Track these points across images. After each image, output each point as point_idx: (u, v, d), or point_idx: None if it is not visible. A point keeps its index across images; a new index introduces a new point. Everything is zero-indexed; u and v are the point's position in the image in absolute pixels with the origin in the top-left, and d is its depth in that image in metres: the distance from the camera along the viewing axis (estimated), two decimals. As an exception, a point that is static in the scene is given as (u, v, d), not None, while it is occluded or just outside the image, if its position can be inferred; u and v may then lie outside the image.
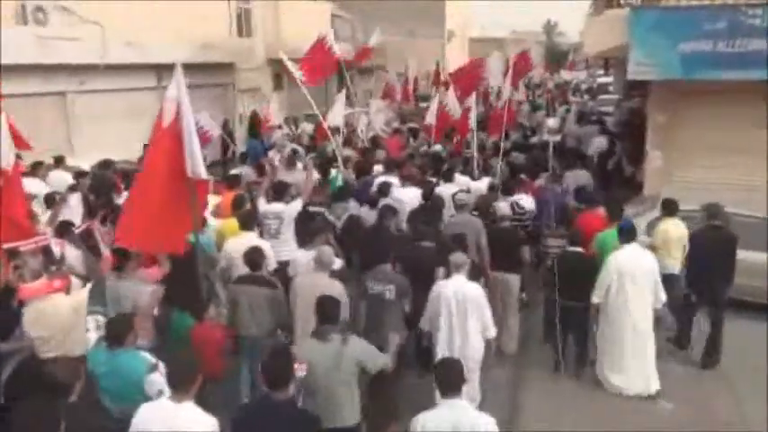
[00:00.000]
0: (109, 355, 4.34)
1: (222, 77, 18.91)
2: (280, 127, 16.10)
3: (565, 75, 47.35)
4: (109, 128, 14.41)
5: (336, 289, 5.45)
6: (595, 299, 6.33)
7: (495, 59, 11.48)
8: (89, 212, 8.26)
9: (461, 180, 9.80)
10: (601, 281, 6.24)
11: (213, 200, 8.14)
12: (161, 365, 4.30)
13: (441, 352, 5.62)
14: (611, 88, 35.50)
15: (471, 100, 11.76)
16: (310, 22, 24.03)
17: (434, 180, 9.57)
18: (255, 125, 18.15)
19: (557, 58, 60.67)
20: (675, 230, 7.13)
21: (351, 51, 26.05)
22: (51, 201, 7.86)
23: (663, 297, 6.27)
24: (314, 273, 5.76)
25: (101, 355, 4.40)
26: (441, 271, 6.33)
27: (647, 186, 9.88)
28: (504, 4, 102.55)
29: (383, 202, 8.32)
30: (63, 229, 6.91)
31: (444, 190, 9.01)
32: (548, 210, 8.88)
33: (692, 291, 6.93)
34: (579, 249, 6.75)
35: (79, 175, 9.98)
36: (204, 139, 12.28)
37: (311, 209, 8.30)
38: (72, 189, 9.14)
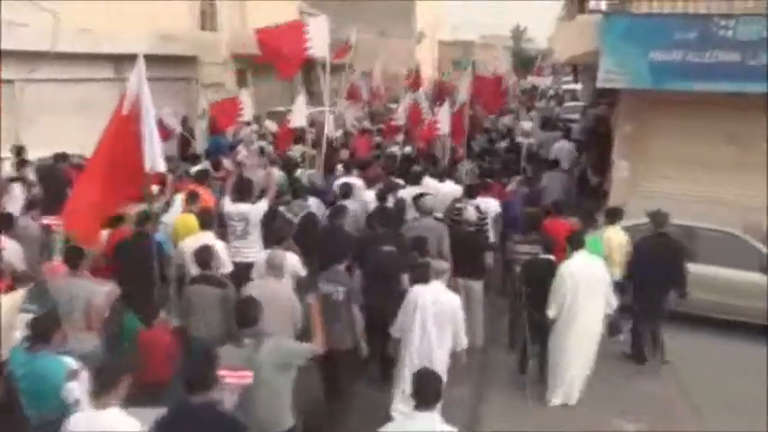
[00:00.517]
0: (29, 356, 4.20)
1: (184, 71, 18.28)
2: (248, 123, 15.61)
3: (532, 80, 47.62)
4: (61, 120, 13.71)
5: (286, 293, 5.45)
6: (552, 312, 6.19)
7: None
8: (29, 205, 7.88)
9: (429, 182, 9.63)
10: (555, 292, 6.13)
11: (180, 196, 8.00)
12: (83, 373, 4.17)
13: (409, 361, 5.48)
14: (578, 95, 35.79)
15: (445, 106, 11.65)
16: (278, 19, 23.48)
17: (401, 182, 9.45)
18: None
19: (524, 63, 60.90)
20: (617, 238, 7.30)
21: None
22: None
23: (614, 302, 6.26)
24: (265, 277, 5.66)
25: (20, 356, 4.26)
26: (406, 277, 6.23)
27: (612, 197, 9.73)
28: (474, 6, 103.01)
29: (344, 202, 8.18)
30: (3, 223, 6.70)
31: (407, 192, 8.91)
32: (514, 213, 8.84)
33: (636, 300, 7.02)
34: (551, 257, 6.61)
35: (21, 164, 9.48)
36: (164, 135, 11.85)
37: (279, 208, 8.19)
38: (13, 180, 8.66)
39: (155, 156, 5.44)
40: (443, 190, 9.44)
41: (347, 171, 10.12)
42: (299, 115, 12.88)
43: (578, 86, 40.03)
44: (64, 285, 5.38)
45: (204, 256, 5.80)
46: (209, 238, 6.55)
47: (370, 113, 20.09)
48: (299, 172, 10.34)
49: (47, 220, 7.38)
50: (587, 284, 6.09)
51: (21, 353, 4.29)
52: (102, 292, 5.44)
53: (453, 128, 11.77)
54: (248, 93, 13.75)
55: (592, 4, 9.43)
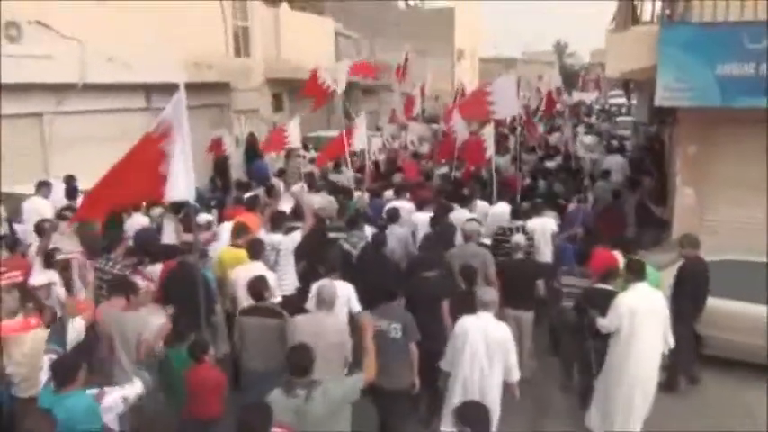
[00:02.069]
0: (56, 397, 4.25)
1: (218, 98, 17.92)
2: (299, 155, 14.94)
3: (577, 95, 46.40)
4: (92, 152, 13.32)
5: (335, 328, 5.31)
6: (603, 323, 5.88)
7: (502, 85, 10.56)
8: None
9: (479, 205, 9.68)
10: (608, 321, 5.83)
11: (227, 226, 8.02)
12: (106, 390, 4.43)
13: (460, 395, 5.35)
14: (626, 110, 34.46)
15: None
16: (313, 41, 23.17)
17: (450, 204, 9.29)
18: (253, 147, 17.42)
19: (568, 78, 59.80)
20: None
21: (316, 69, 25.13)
22: (41, 229, 7.48)
23: (671, 341, 5.89)
24: (315, 312, 5.52)
25: (48, 398, 4.31)
26: (446, 303, 6.16)
27: (676, 228, 8.71)
28: (515, 23, 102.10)
29: (394, 227, 8.37)
30: (51, 260, 6.77)
31: (457, 216, 8.75)
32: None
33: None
34: (609, 287, 6.18)
35: (70, 193, 9.66)
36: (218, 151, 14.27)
37: (331, 234, 8.28)
38: (66, 209, 8.67)
39: (184, 185, 5.45)
40: (493, 212, 9.43)
41: (398, 195, 10.15)
42: (362, 137, 12.57)
43: (625, 101, 38.89)
44: (115, 319, 5.39)
45: (259, 286, 5.76)
46: (259, 268, 6.50)
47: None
48: (355, 197, 10.35)
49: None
50: (646, 318, 5.73)
51: (48, 394, 4.34)
52: (154, 326, 5.51)
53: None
54: (296, 122, 13.45)
55: (647, 13, 8.57)
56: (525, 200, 10.13)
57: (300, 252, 7.58)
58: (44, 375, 4.55)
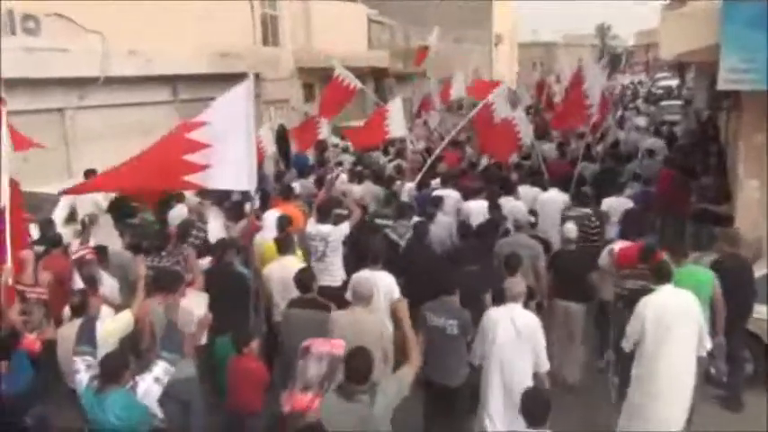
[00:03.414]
0: (98, 398, 4.21)
1: (245, 89, 17.46)
2: (333, 146, 14.71)
3: (621, 79, 44.81)
4: (116, 147, 12.93)
5: (373, 324, 5.28)
6: (626, 346, 5.55)
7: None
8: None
9: (529, 192, 9.62)
10: (631, 328, 5.46)
11: (273, 214, 7.93)
12: (137, 378, 4.38)
13: (490, 388, 5.31)
14: (676, 92, 32.84)
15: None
16: (346, 28, 22.51)
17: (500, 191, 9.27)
18: (284, 139, 16.96)
19: (611, 61, 57.97)
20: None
21: (387, 59, 24.48)
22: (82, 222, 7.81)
23: (707, 344, 5.44)
24: (353, 307, 5.44)
25: (91, 398, 4.25)
26: (488, 296, 6.07)
27: (738, 225, 7.80)
28: (554, 7, 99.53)
29: (439, 215, 8.26)
30: (101, 255, 6.80)
31: (505, 204, 8.70)
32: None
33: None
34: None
35: None
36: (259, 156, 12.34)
37: (377, 221, 8.30)
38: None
39: (237, 174, 5.49)
40: (544, 198, 9.36)
41: (444, 184, 10.00)
42: (400, 124, 11.83)
43: (672, 84, 37.25)
44: (160, 311, 5.32)
45: (306, 278, 5.69)
46: (292, 262, 6.43)
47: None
48: (397, 185, 10.22)
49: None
50: (673, 322, 5.30)
51: (91, 394, 4.27)
52: (194, 319, 5.45)
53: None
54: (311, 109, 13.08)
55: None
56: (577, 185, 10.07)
57: (345, 243, 7.47)
58: (82, 376, 4.41)
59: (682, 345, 5.34)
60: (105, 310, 5.62)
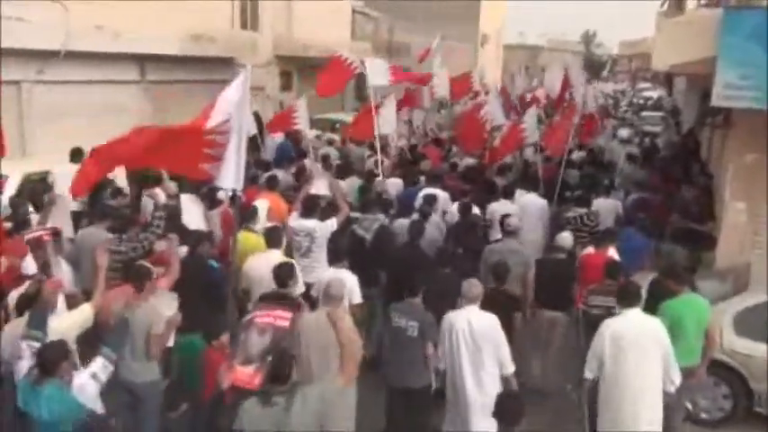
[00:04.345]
0: (33, 392, 4.13)
1: (220, 74, 16.63)
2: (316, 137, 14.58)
3: (604, 87, 44.75)
4: (76, 125, 12.28)
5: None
6: (588, 374, 5.17)
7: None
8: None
9: (528, 197, 9.38)
10: (591, 353, 5.14)
11: (262, 204, 7.84)
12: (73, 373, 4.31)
13: (456, 390, 5.28)
14: (650, 103, 32.85)
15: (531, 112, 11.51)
16: (328, 17, 21.90)
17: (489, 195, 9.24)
18: (259, 126, 16.45)
19: (595, 69, 58.03)
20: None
21: (370, 52, 23.93)
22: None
23: (676, 378, 5.02)
24: (321, 309, 5.26)
25: (26, 388, 4.19)
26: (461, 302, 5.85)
27: (721, 248, 7.43)
28: (542, 10, 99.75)
29: (432, 215, 8.01)
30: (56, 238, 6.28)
31: (500, 208, 8.54)
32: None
33: None
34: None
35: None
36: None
37: (351, 215, 7.94)
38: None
39: (236, 174, 5.47)
40: (524, 201, 9.20)
41: (430, 182, 9.69)
42: (389, 120, 11.76)
43: (654, 94, 37.27)
44: (124, 311, 5.10)
45: (284, 273, 5.49)
46: (276, 257, 6.17)
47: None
48: (378, 181, 9.95)
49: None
50: (634, 350, 4.95)
51: (27, 384, 4.20)
52: (164, 319, 5.18)
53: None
54: (303, 102, 12.69)
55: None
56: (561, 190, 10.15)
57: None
58: (24, 363, 4.36)
59: (643, 376, 5.00)
60: (60, 302, 5.28)
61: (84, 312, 5.05)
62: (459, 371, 5.21)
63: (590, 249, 7.25)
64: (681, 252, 7.46)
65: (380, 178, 10.21)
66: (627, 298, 5.21)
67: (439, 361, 5.41)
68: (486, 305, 5.42)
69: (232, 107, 5.43)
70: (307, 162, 11.23)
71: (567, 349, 6.87)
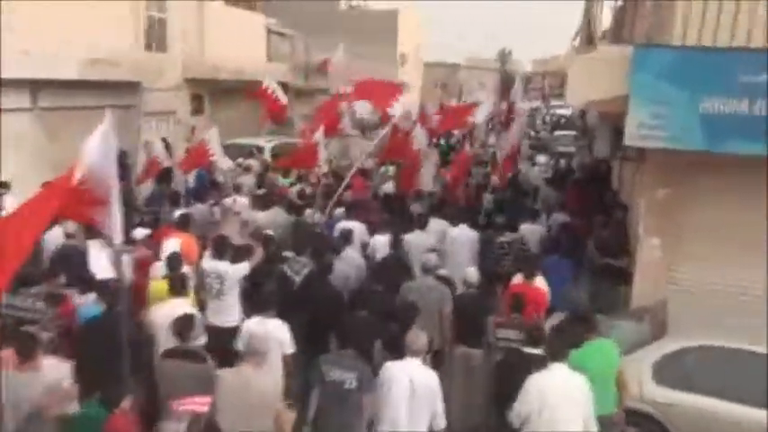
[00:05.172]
0: None
1: (123, 98, 15.77)
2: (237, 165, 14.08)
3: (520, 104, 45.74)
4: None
5: (264, 388, 5.02)
6: (514, 423, 5.13)
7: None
8: None
9: (440, 225, 9.18)
10: (518, 405, 5.05)
11: (173, 244, 7.56)
12: None
13: None
14: (571, 122, 33.68)
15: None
16: (242, 38, 21.24)
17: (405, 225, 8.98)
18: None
19: (510, 86, 59.44)
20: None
21: (287, 73, 23.43)
22: None
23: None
24: (243, 365, 5.12)
25: None
26: (378, 344, 6.00)
27: (637, 286, 7.34)
28: (460, 28, 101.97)
29: (347, 250, 7.88)
30: None
31: (415, 240, 8.38)
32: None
33: None
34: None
35: None
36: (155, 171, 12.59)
37: (282, 254, 7.85)
38: None
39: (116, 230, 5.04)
40: (454, 234, 8.98)
41: (348, 213, 9.64)
42: (322, 151, 11.54)
43: (569, 111, 38.31)
44: (9, 383, 4.69)
45: (183, 326, 5.34)
46: (182, 305, 5.95)
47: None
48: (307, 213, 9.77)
49: None
50: (559, 408, 4.89)
51: None
52: (52, 387, 4.73)
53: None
54: (214, 134, 12.35)
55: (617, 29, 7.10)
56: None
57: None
58: None
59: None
60: None
61: None
62: (395, 424, 5.13)
63: (519, 278, 7.31)
64: (600, 289, 7.44)
65: (310, 210, 10.08)
66: (533, 341, 5.43)
67: (371, 412, 5.31)
68: (391, 349, 5.55)
69: (95, 157, 4.91)
70: (227, 201, 10.68)
71: (481, 386, 6.65)
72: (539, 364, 5.21)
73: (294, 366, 5.86)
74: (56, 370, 5.16)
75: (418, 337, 5.28)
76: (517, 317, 6.41)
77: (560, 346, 5.15)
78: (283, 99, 12.13)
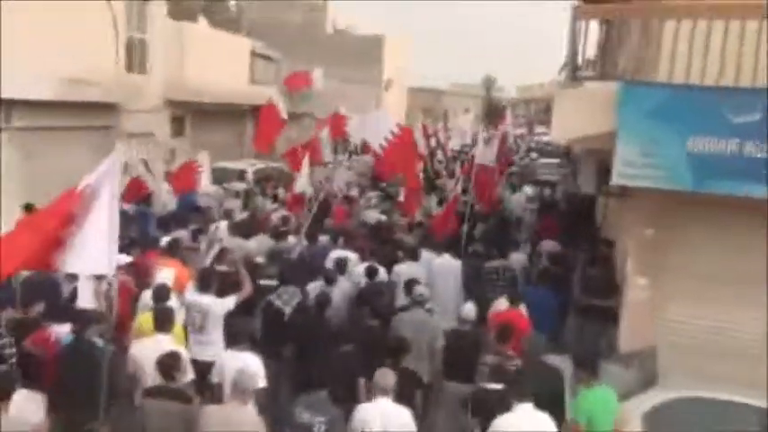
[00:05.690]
0: None
1: (101, 119, 15.51)
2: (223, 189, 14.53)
3: (502, 129, 45.91)
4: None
5: (253, 426, 4.97)
6: None
7: None
8: None
9: (428, 256, 9.11)
10: None
11: (167, 274, 7.51)
12: None
13: None
14: (548, 149, 33.79)
15: None
16: (224, 61, 21.09)
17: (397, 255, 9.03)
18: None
19: (495, 112, 59.83)
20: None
21: (272, 98, 23.27)
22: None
23: None
24: (228, 402, 5.22)
25: None
26: (362, 383, 5.96)
27: (625, 327, 7.13)
28: (445, 54, 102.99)
29: (341, 280, 7.81)
30: None
31: (405, 271, 8.33)
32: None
33: None
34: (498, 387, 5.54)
35: None
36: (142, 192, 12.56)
37: (261, 282, 7.68)
38: None
39: (98, 257, 5.06)
40: (437, 264, 8.93)
41: (334, 241, 9.62)
42: (304, 178, 11.66)
43: (550, 139, 38.43)
44: None
45: (169, 364, 5.28)
46: (166, 342, 5.89)
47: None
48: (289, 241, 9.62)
49: None
50: None
51: None
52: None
53: None
54: (206, 158, 12.22)
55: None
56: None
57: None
58: None
59: None
60: None
61: None
62: None
63: (503, 303, 7.43)
64: (586, 332, 7.26)
65: (294, 239, 9.93)
66: (519, 392, 5.19)
67: None
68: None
69: (98, 185, 5.07)
70: (213, 227, 10.57)
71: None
72: (500, 402, 5.24)
73: (264, 400, 5.74)
74: (30, 406, 5.11)
75: (385, 374, 5.27)
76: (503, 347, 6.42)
77: (526, 389, 5.15)
78: (284, 115, 12.35)
